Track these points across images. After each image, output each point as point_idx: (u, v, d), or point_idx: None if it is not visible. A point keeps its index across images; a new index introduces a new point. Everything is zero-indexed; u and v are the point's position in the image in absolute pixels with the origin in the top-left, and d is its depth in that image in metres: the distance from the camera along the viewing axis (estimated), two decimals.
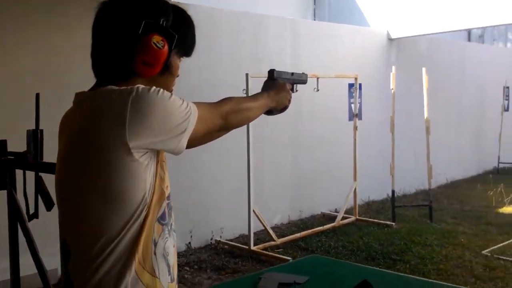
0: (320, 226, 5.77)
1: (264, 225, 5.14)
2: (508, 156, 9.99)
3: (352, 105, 6.58)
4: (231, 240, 5.41)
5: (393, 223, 5.90)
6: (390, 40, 7.82)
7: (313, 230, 5.63)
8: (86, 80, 1.48)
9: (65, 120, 1.33)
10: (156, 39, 1.23)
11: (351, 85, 6.87)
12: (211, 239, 5.38)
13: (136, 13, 1.24)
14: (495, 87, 9.96)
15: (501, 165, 9.61)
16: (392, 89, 6.15)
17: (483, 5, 6.93)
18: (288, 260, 4.62)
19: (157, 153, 1.23)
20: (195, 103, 1.27)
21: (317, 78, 5.59)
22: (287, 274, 1.93)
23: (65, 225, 1.29)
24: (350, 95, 6.92)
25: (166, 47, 1.24)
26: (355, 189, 6.11)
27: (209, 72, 5.42)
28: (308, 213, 6.47)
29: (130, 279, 1.20)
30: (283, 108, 1.60)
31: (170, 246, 1.31)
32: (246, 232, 5.27)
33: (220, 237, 5.39)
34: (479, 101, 9.66)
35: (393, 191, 6.18)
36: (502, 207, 6.78)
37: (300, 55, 6.38)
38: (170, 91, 1.32)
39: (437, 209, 6.46)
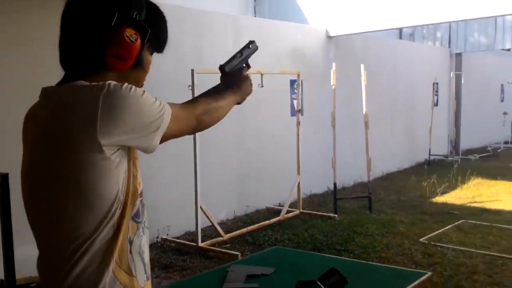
0: (266, 220, 5.85)
1: (211, 221, 5.15)
2: (438, 149, 10.57)
3: (294, 101, 6.72)
4: (177, 238, 5.37)
5: (336, 215, 6.09)
6: (329, 37, 8.03)
7: (259, 224, 5.70)
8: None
9: (31, 115, 1.27)
10: (129, 33, 1.20)
11: (292, 81, 7.01)
12: (157, 237, 5.31)
13: (108, 5, 1.21)
14: (425, 84, 10.49)
15: (431, 157, 10.14)
16: (333, 85, 6.32)
17: (414, 5, 7.27)
18: (237, 255, 4.67)
19: (128, 151, 1.21)
20: (168, 103, 1.26)
21: (261, 75, 5.65)
22: (254, 266, 1.97)
23: (35, 223, 1.25)
24: (292, 91, 7.06)
25: (138, 41, 1.21)
26: (298, 183, 6.24)
27: (152, 68, 5.31)
28: (253, 208, 6.53)
29: (108, 279, 1.18)
30: (247, 96, 1.62)
31: (145, 244, 1.31)
32: (192, 229, 5.25)
33: (167, 234, 5.34)
34: (411, 96, 10.13)
35: (335, 184, 6.38)
36: (435, 197, 7.18)
37: None
38: (141, 86, 1.31)
39: (375, 200, 6.72)
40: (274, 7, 8.82)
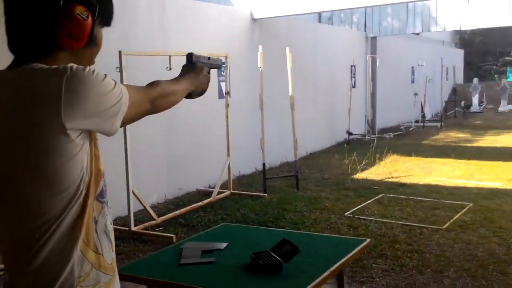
0: (197, 202, 5.90)
1: (144, 205, 5.11)
2: (356, 128, 11.11)
3: (222, 84, 6.77)
4: None
5: (265, 194, 6.27)
6: (254, 20, 8.13)
7: (191, 206, 5.75)
8: None
9: None
10: (79, 10, 1.20)
11: None
12: None
13: None
14: (343, 66, 10.94)
15: (351, 137, 10.65)
16: (260, 67, 6.44)
17: None
18: (171, 237, 4.69)
19: (89, 132, 1.22)
20: (125, 85, 1.28)
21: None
22: (207, 242, 2.03)
23: None
24: (219, 73, 7.09)
25: (89, 18, 1.21)
26: (228, 165, 6.34)
27: None
28: (184, 191, 6.55)
29: (76, 258, 1.20)
30: (201, 92, 1.66)
31: (110, 223, 1.33)
32: (123, 214, 5.20)
33: None
34: (331, 79, 10.53)
35: (263, 165, 6.55)
36: (356, 173, 7.59)
37: (169, 33, 6.35)
38: (93, 62, 1.32)
39: (301, 179, 6.98)
40: None
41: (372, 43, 12.41)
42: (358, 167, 7.84)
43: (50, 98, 1.12)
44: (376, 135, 11.39)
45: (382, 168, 7.98)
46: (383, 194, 6.24)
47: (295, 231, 3.24)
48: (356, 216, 5.34)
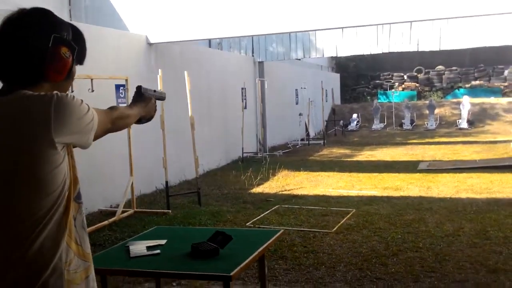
0: (100, 222, 5.97)
1: None
2: (249, 147, 11.72)
3: (123, 106, 6.90)
4: None
5: (169, 211, 6.50)
6: (150, 44, 8.39)
7: (96, 226, 5.80)
8: None
9: None
10: (64, 51, 1.50)
11: (118, 86, 7.20)
12: None
13: (44, 28, 1.48)
14: (235, 89, 11.55)
15: (244, 155, 11.22)
16: (161, 89, 6.70)
17: (223, 19, 8.03)
18: None
19: (68, 147, 1.51)
20: (93, 108, 1.59)
21: (92, 80, 5.78)
22: (148, 240, 2.31)
23: None
24: (118, 95, 7.25)
25: (71, 57, 1.52)
26: (132, 184, 6.48)
27: None
28: (86, 212, 6.53)
29: (64, 248, 1.47)
30: (150, 117, 1.98)
31: (85, 220, 1.61)
32: None
33: None
34: (224, 100, 11.07)
35: (166, 182, 6.78)
36: (253, 188, 8.11)
37: None
38: (67, 91, 1.61)
39: (201, 195, 7.32)
40: (91, 12, 8.81)
41: (260, 67, 13.23)
42: (254, 182, 8.38)
43: (42, 118, 1.40)
44: (268, 153, 12.11)
45: (276, 182, 8.60)
46: (278, 205, 6.80)
47: (223, 227, 3.59)
48: (256, 226, 5.80)
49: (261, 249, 2.29)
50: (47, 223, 1.43)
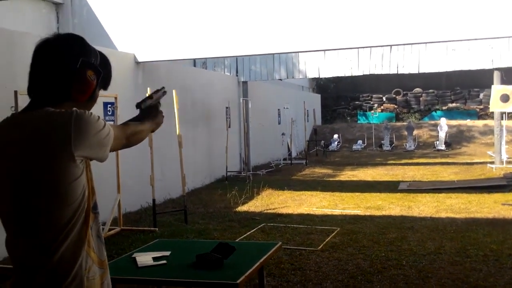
0: None
1: None
2: (233, 166, 11.82)
3: (111, 122, 6.97)
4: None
5: (156, 229, 6.54)
6: (137, 63, 8.49)
7: None
8: None
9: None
10: (90, 73, 1.63)
11: (106, 104, 7.27)
12: None
13: (74, 52, 1.62)
14: (219, 108, 11.68)
15: (228, 173, 11.31)
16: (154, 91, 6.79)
17: (208, 39, 8.18)
18: None
19: (86, 160, 1.61)
20: (109, 124, 1.70)
21: None
22: (153, 252, 2.39)
23: (14, 222, 1.54)
24: (106, 113, 7.31)
25: (95, 80, 1.65)
26: (119, 201, 6.51)
27: None
28: None
29: (84, 255, 1.56)
30: (159, 126, 2.08)
31: (101, 230, 1.70)
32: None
33: None
34: (208, 119, 11.18)
35: (153, 200, 6.82)
36: (238, 207, 8.20)
37: None
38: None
39: (187, 213, 7.37)
40: (79, 31, 8.89)
41: (244, 87, 13.41)
42: (239, 201, 8.46)
43: (63, 133, 1.51)
44: (251, 172, 12.21)
45: (260, 201, 8.70)
46: (264, 224, 6.89)
47: (222, 240, 3.67)
48: None
49: (263, 259, 2.42)
50: (69, 232, 1.52)
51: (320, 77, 14.47)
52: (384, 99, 25.24)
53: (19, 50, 5.94)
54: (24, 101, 5.06)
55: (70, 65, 1.58)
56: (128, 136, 1.80)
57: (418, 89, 24.81)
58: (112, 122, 6.85)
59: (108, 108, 7.34)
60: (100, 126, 1.58)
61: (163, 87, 2.13)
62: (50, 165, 1.49)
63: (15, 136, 1.54)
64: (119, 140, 1.74)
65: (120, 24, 8.56)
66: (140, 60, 8.50)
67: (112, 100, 6.82)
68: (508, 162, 12.63)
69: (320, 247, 5.68)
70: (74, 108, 1.54)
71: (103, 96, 6.87)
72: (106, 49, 7.91)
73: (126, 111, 7.85)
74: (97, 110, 7.35)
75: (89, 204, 1.59)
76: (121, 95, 7.55)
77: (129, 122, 1.92)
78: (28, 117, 1.55)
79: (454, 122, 20.49)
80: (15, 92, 4.87)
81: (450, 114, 22.53)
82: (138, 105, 2.03)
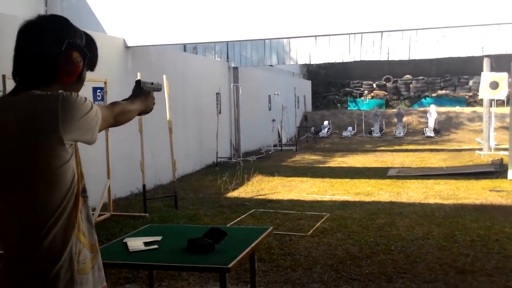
0: None
1: None
2: (223, 152, 11.81)
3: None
4: None
5: (146, 214, 6.54)
6: (127, 48, 8.41)
7: None
8: None
9: None
10: (76, 55, 1.60)
11: (95, 89, 7.20)
12: None
13: (59, 33, 1.58)
14: (209, 93, 11.63)
15: (218, 159, 11.31)
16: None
17: (198, 24, 8.10)
18: None
19: (74, 145, 1.60)
20: (96, 105, 1.68)
21: None
22: (144, 236, 2.39)
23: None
24: (95, 98, 7.25)
25: (82, 62, 1.62)
26: (109, 187, 6.49)
27: None
28: None
29: (74, 239, 1.56)
30: (149, 110, 2.07)
31: (91, 213, 1.69)
32: None
33: None
34: (198, 105, 11.13)
35: (144, 186, 6.81)
36: (228, 192, 8.21)
37: None
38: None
39: (177, 199, 7.37)
40: (67, 14, 8.74)
41: (235, 73, 13.35)
42: (230, 187, 8.48)
43: (50, 117, 1.49)
44: (241, 158, 12.22)
45: (251, 187, 8.72)
46: (254, 209, 6.92)
47: (214, 225, 3.68)
48: None
49: (254, 244, 2.43)
50: (59, 217, 1.51)
51: (311, 63, 14.45)
52: (374, 85, 25.28)
53: (6, 34, 5.85)
54: (12, 85, 5.02)
55: (55, 46, 1.54)
56: (116, 116, 1.77)
57: (408, 76, 24.87)
58: None
59: (98, 93, 7.27)
60: (88, 108, 1.56)
61: (160, 85, 2.11)
62: (39, 149, 1.48)
63: (1, 120, 1.52)
64: (107, 120, 1.72)
65: (109, 8, 8.45)
66: (129, 44, 8.41)
67: (102, 85, 6.77)
68: (496, 149, 12.76)
69: (310, 233, 5.72)
70: (60, 91, 1.52)
71: (92, 80, 6.86)
72: (95, 33, 7.79)
73: (116, 96, 7.80)
74: (86, 94, 7.26)
75: (78, 188, 1.58)
76: (111, 80, 7.49)
77: (118, 101, 1.90)
78: (13, 101, 1.53)
79: (443, 109, 20.61)
80: (3, 76, 4.81)
81: (440, 101, 22.65)
82: (138, 81, 2.00)
